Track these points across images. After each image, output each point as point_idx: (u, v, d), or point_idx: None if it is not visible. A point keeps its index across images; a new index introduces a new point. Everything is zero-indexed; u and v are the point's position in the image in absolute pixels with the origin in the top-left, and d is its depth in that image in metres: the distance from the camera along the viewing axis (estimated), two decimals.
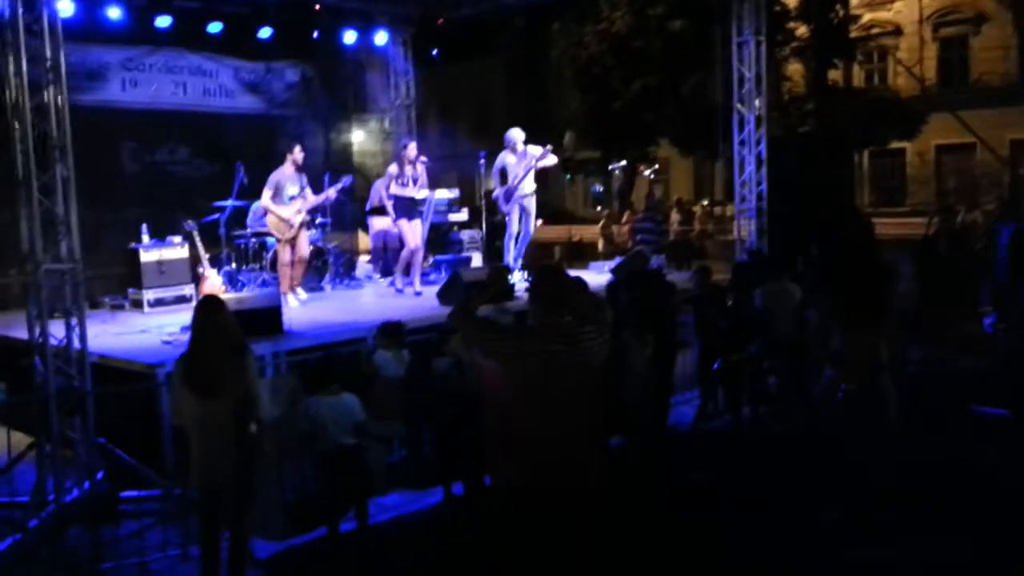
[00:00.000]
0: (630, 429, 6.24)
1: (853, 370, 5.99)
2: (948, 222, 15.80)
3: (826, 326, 6.37)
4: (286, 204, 9.05)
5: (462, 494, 5.88)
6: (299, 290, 9.29)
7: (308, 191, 9.24)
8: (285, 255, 9.17)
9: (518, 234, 10.54)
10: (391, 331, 6.28)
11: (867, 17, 28.13)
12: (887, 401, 6.04)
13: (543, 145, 10.39)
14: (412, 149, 9.89)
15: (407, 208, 9.70)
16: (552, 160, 10.40)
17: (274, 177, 9.08)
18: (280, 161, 9.27)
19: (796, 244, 9.92)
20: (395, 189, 9.65)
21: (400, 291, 9.85)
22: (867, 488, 5.61)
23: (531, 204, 10.42)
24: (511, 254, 10.84)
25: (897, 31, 29.75)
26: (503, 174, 10.53)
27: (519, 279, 9.37)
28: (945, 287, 9.85)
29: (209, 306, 4.48)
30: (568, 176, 10.14)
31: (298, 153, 9.17)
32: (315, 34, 11.94)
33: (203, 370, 4.24)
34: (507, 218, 10.63)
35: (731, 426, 7.34)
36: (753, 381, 7.20)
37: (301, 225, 9.18)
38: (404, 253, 9.85)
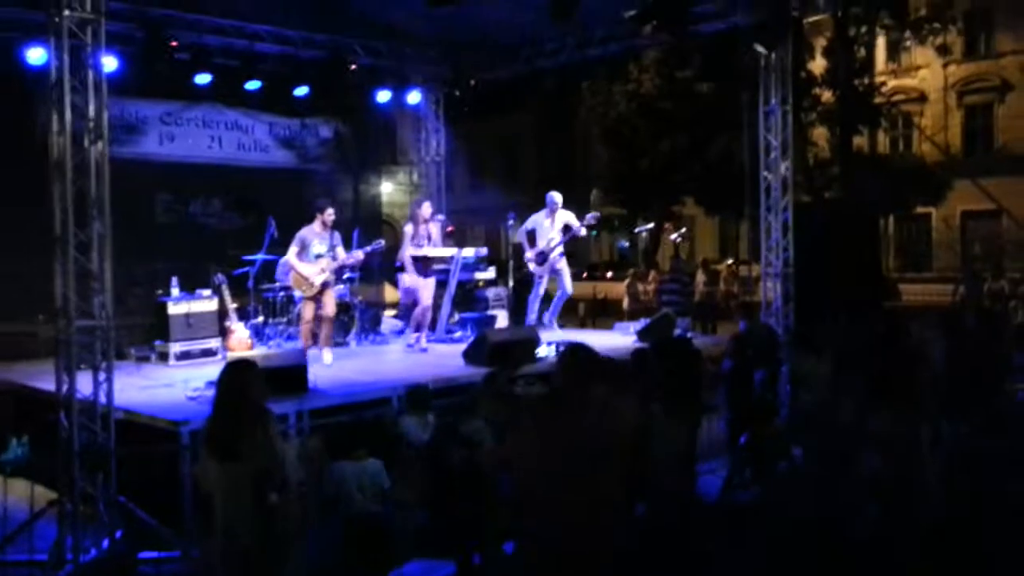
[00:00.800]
0: (655, 498, 6.15)
1: (887, 450, 5.87)
2: (975, 290, 15.72)
3: (858, 404, 6.27)
4: (311, 262, 9.10)
5: (480, 563, 5.79)
6: (325, 351, 9.12)
7: (339, 250, 9.28)
8: (307, 312, 9.19)
9: (552, 293, 10.85)
10: (417, 397, 6.26)
11: (892, 84, 28.28)
12: (923, 483, 5.89)
13: (575, 206, 10.63)
14: (427, 208, 10.04)
15: (421, 266, 9.80)
16: (583, 232, 10.84)
17: (301, 234, 9.16)
18: (311, 214, 9.36)
19: (824, 311, 9.85)
20: (411, 251, 9.77)
21: (411, 346, 9.95)
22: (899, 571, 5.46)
23: (564, 263, 10.79)
24: (534, 313, 10.93)
25: (922, 98, 29.87)
26: (531, 235, 10.70)
27: (550, 345, 9.22)
28: (975, 362, 9.70)
29: (234, 369, 4.43)
30: (594, 233, 10.21)
31: (328, 215, 9.23)
32: (350, 93, 12.15)
33: (224, 434, 4.20)
34: (536, 279, 10.81)
35: (758, 499, 7.21)
36: (780, 455, 7.09)
37: (325, 285, 9.18)
38: (416, 311, 9.93)
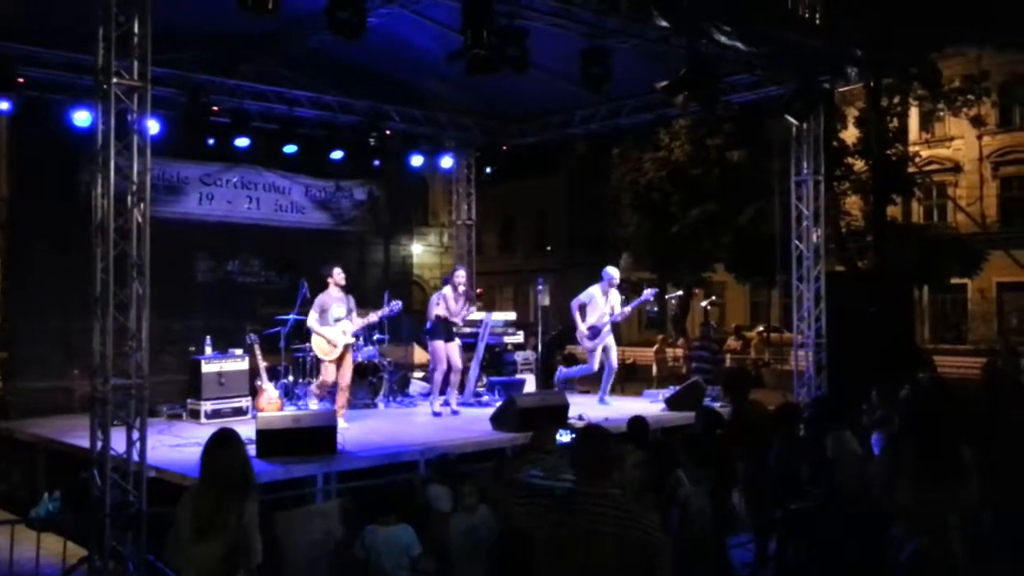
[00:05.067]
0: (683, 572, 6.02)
1: (920, 528, 5.73)
2: (1011, 364, 15.40)
3: (892, 480, 6.14)
4: (332, 326, 9.16)
5: None
6: (339, 419, 8.81)
7: (355, 313, 9.31)
8: (327, 376, 9.20)
9: (604, 370, 10.83)
10: (442, 468, 6.23)
11: (926, 154, 28.28)
12: (954, 564, 5.74)
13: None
14: (460, 277, 10.04)
15: (448, 330, 9.84)
16: (627, 315, 11.04)
17: (320, 300, 9.22)
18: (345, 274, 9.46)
19: (857, 382, 9.71)
20: (441, 310, 9.77)
21: (438, 414, 9.78)
22: None
23: (612, 339, 10.84)
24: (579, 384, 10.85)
25: (956, 168, 29.77)
26: (583, 308, 10.69)
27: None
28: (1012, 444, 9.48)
29: (218, 441, 4.12)
30: (623, 298, 10.25)
31: (338, 275, 9.29)
32: (384, 156, 12.38)
33: (199, 510, 3.95)
34: (589, 354, 10.81)
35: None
36: (816, 531, 6.93)
37: (346, 347, 9.22)
38: (438, 375, 9.84)
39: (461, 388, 10.64)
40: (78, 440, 7.35)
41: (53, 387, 9.68)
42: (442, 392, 9.97)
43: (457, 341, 9.99)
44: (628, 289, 11.98)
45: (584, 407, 9.84)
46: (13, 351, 10.24)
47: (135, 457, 6.21)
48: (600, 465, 3.20)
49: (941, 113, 27.55)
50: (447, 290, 9.97)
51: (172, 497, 6.43)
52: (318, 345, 9.23)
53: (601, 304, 10.64)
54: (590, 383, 11.35)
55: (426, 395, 11.57)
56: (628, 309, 10.92)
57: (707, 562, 6.27)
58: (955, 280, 26.01)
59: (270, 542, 5.63)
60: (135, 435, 6.22)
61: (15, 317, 10.36)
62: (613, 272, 10.84)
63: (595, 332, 10.62)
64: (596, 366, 10.81)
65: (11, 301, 10.86)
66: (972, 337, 28.48)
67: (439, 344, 9.79)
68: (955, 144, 29.79)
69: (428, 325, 11.47)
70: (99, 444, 6.13)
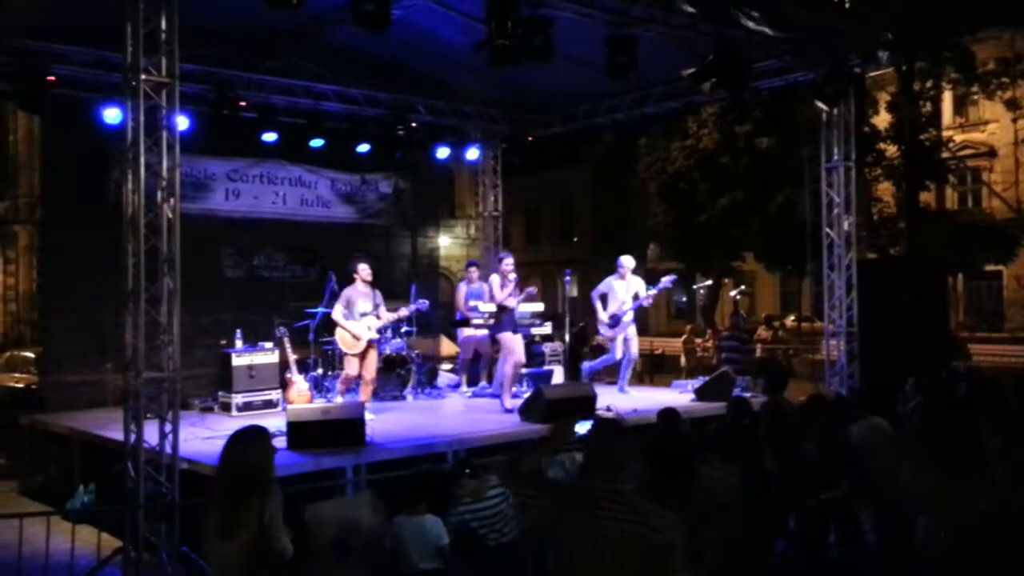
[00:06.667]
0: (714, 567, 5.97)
1: (950, 519, 5.64)
2: None
3: (922, 470, 6.05)
4: (357, 320, 9.20)
5: None
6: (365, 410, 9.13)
7: (382, 309, 9.36)
8: (351, 369, 9.27)
9: (622, 358, 10.80)
10: (468, 468, 6.17)
11: (959, 139, 27.78)
12: (981, 555, 5.64)
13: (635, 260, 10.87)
14: (508, 265, 9.82)
15: (513, 321, 9.69)
16: (650, 302, 10.93)
17: (346, 293, 9.29)
18: (370, 267, 9.50)
19: (891, 372, 9.57)
20: (499, 293, 9.56)
21: (509, 410, 9.27)
22: None
23: (633, 329, 10.83)
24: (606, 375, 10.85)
25: (991, 153, 29.24)
26: (604, 298, 10.71)
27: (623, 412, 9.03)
28: None
29: (238, 439, 4.05)
30: (650, 287, 10.17)
31: (364, 271, 9.34)
32: (410, 149, 12.39)
33: (220, 508, 3.91)
34: (610, 343, 10.80)
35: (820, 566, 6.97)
36: (845, 522, 6.85)
37: (370, 342, 9.27)
38: (509, 367, 9.59)
39: (489, 379, 10.62)
40: (112, 433, 7.46)
41: (87, 380, 9.82)
42: (513, 384, 9.69)
43: (520, 334, 9.78)
44: (655, 279, 11.92)
45: (612, 397, 9.81)
46: (48, 346, 10.42)
47: (168, 449, 6.29)
48: (612, 458, 3.13)
49: (975, 97, 27.06)
50: (495, 278, 9.78)
51: (205, 489, 6.50)
52: (342, 338, 9.29)
53: (620, 293, 10.68)
54: (616, 372, 11.34)
55: (454, 387, 11.61)
56: (652, 294, 10.87)
57: (737, 554, 6.22)
58: (990, 267, 25.59)
59: (300, 534, 5.68)
60: (167, 428, 6.30)
61: (50, 313, 10.52)
62: (626, 260, 10.88)
63: (615, 321, 10.68)
64: (619, 354, 10.83)
65: (46, 297, 11.06)
66: (1010, 325, 28.01)
67: (507, 335, 9.56)
68: (990, 128, 29.25)
69: (458, 316, 11.50)
70: (132, 437, 6.21)
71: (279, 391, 9.69)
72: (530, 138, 13.47)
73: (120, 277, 6.31)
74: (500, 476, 3.26)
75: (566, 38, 8.33)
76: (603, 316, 10.78)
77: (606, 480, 3.09)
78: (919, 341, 10.41)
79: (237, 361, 9.50)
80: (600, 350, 15.16)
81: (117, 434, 6.70)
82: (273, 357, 9.77)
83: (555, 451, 3.20)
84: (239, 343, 9.81)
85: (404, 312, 9.78)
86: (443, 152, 13.01)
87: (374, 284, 9.47)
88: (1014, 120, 28.32)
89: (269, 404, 9.53)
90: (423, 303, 9.96)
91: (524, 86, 11.51)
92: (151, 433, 6.31)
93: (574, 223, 39.49)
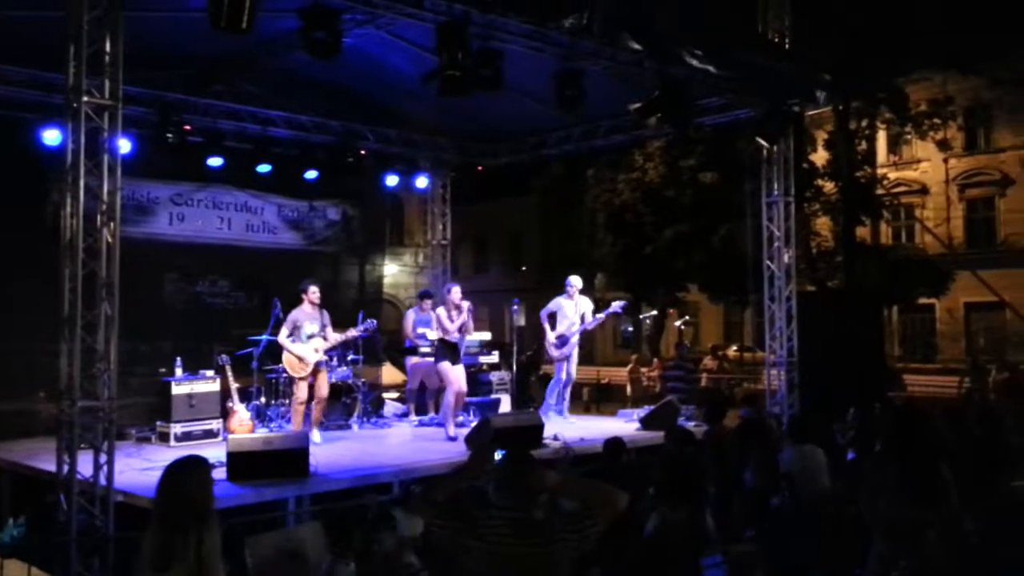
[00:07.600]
0: None
1: (904, 546, 5.75)
2: (979, 382, 15.58)
3: (875, 497, 6.17)
4: (303, 343, 9.11)
5: None
6: (315, 432, 9.02)
7: (329, 330, 9.26)
8: (301, 393, 9.15)
9: (565, 380, 10.92)
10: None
11: (894, 176, 28.66)
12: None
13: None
14: (456, 294, 9.69)
15: (454, 351, 9.56)
16: (599, 323, 11.24)
17: (292, 316, 9.18)
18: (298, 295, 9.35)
19: (829, 401, 9.78)
20: (436, 331, 9.58)
21: (454, 438, 9.28)
22: None
23: (576, 350, 10.97)
24: (553, 398, 10.91)
25: (924, 190, 30.21)
26: (552, 318, 10.82)
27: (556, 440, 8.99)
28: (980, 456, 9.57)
29: (176, 468, 3.94)
30: (600, 312, 10.33)
31: (312, 294, 9.25)
32: (358, 176, 12.35)
33: (155, 542, 3.77)
34: (556, 364, 10.87)
35: None
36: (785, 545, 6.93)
37: (318, 364, 9.18)
38: (450, 396, 9.52)
39: (436, 408, 10.55)
40: (43, 464, 7.21)
41: (16, 410, 9.50)
42: (455, 414, 9.62)
43: (461, 365, 9.66)
44: (602, 308, 12.05)
45: (558, 426, 9.81)
46: None
47: (102, 481, 6.10)
48: (520, 488, 3.18)
49: (908, 136, 28.03)
50: (441, 310, 9.65)
51: (140, 522, 6.33)
52: (289, 362, 9.17)
53: (569, 312, 10.79)
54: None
55: (401, 415, 11.49)
56: (601, 317, 11.11)
57: None
58: (924, 300, 26.36)
59: (238, 568, 5.55)
60: (103, 458, 6.12)
61: None
62: (575, 280, 11.01)
63: (563, 341, 10.82)
64: (564, 376, 10.94)
65: None
66: (942, 357, 28.81)
67: (445, 366, 9.49)
68: (922, 167, 30.26)
69: (406, 343, 11.43)
70: (65, 468, 6.02)
71: (220, 421, 9.47)
72: (480, 168, 13.56)
73: (56, 302, 6.14)
74: (413, 505, 3.25)
75: (516, 70, 8.44)
76: (551, 336, 10.88)
77: (517, 508, 3.14)
78: (856, 371, 10.71)
79: (177, 390, 9.26)
80: (548, 378, 15.22)
81: (49, 465, 6.48)
82: (214, 385, 9.55)
83: (473, 478, 3.20)
84: (179, 371, 9.58)
85: (353, 333, 9.69)
86: (392, 180, 13.02)
87: (321, 306, 9.37)
88: (945, 160, 29.42)
89: (210, 434, 9.28)
90: (371, 323, 9.90)
91: (474, 117, 11.59)
92: (85, 464, 6.12)
93: (522, 252, 39.64)
